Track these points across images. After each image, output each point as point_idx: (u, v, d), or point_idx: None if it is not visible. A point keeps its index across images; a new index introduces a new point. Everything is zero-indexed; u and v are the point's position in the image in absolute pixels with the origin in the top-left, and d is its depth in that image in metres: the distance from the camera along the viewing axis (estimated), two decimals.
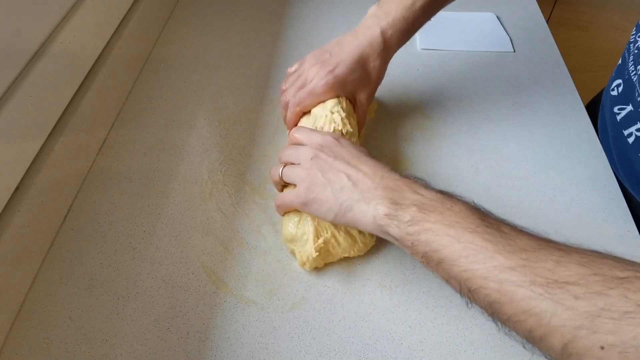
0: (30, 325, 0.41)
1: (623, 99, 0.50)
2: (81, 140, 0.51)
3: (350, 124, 0.48)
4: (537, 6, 0.76)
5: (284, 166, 0.44)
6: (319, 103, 0.49)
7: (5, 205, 0.41)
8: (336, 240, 0.42)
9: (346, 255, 0.43)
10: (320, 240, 0.42)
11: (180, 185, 0.51)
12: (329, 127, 0.47)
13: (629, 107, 0.49)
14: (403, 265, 0.45)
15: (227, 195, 0.50)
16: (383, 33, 0.49)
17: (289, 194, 0.42)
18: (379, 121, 0.58)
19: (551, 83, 0.63)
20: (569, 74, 0.64)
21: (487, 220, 0.34)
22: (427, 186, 0.38)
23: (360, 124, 0.52)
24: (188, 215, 0.49)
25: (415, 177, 0.39)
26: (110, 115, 0.57)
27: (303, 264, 0.43)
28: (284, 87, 0.53)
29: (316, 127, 0.48)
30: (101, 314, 0.41)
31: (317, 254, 0.41)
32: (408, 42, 0.65)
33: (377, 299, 0.43)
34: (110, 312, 0.41)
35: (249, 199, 0.50)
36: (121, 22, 0.60)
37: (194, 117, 0.58)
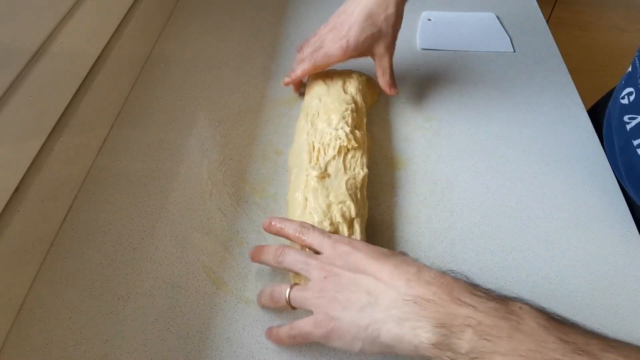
0: (30, 325, 0.41)
1: (635, 109, 0.49)
2: (81, 140, 0.51)
3: (355, 139, 0.48)
4: (537, 6, 0.76)
5: (291, 288, 0.37)
6: (333, 64, 0.54)
7: (5, 205, 0.41)
8: None
9: None
10: None
11: (180, 185, 0.51)
12: (334, 144, 0.47)
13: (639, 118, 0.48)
14: None
15: (227, 195, 0.50)
16: None
17: (305, 324, 0.36)
18: (379, 121, 0.58)
19: (551, 83, 0.63)
20: (569, 74, 0.64)
21: (568, 336, 0.26)
22: (473, 288, 0.30)
23: (386, 81, 0.55)
24: (188, 215, 0.49)
25: (452, 271, 0.32)
26: (110, 115, 0.57)
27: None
28: (301, 47, 0.57)
29: (322, 143, 0.48)
30: (101, 314, 0.41)
31: None
32: (408, 42, 0.65)
33: None
34: (110, 312, 0.41)
35: (249, 199, 0.50)
36: (121, 22, 0.60)
37: (194, 117, 0.58)
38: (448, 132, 0.57)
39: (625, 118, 0.50)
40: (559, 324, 0.27)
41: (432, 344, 0.27)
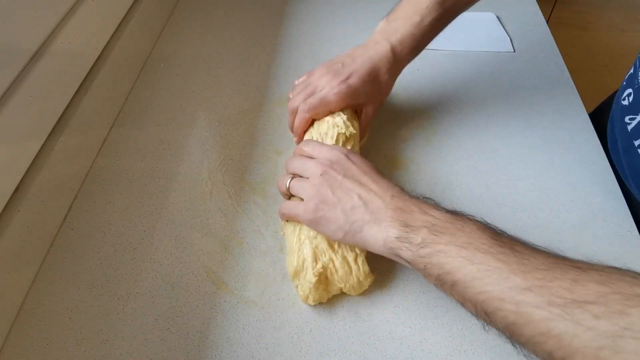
0: (30, 325, 0.41)
1: (634, 109, 0.49)
2: (81, 140, 0.51)
3: (353, 126, 0.48)
4: (537, 6, 0.76)
5: (292, 178, 0.43)
6: (329, 113, 0.49)
7: (5, 205, 0.41)
8: (334, 265, 0.41)
9: (342, 286, 0.41)
10: (319, 265, 0.40)
11: (180, 185, 0.51)
12: (332, 131, 0.47)
13: (639, 117, 0.48)
14: (403, 266, 0.45)
15: (227, 195, 0.50)
16: (393, 49, 0.49)
17: (297, 206, 0.41)
18: (379, 121, 0.58)
19: (551, 83, 0.63)
20: (568, 74, 0.64)
21: (499, 239, 0.33)
22: (437, 206, 0.37)
23: (361, 135, 0.51)
24: (188, 215, 0.49)
25: (425, 198, 0.38)
26: (110, 115, 0.57)
27: (306, 298, 0.41)
28: (291, 96, 0.52)
29: (320, 132, 0.48)
30: (101, 314, 0.41)
31: (316, 278, 0.40)
32: None
33: (377, 299, 0.43)
34: (110, 312, 0.41)
35: (249, 199, 0.50)
36: (121, 22, 0.60)
37: (194, 117, 0.58)
38: (448, 132, 0.57)
39: (626, 119, 0.50)
40: (496, 232, 0.34)
41: (396, 237, 0.35)
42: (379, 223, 0.37)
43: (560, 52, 0.67)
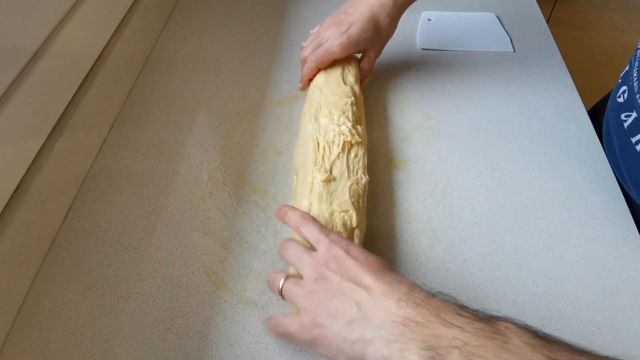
0: (30, 325, 0.41)
1: (629, 106, 0.50)
2: (81, 140, 0.51)
3: (358, 133, 0.48)
4: (537, 6, 0.76)
5: (286, 278, 0.38)
6: (334, 60, 0.55)
7: (5, 205, 0.41)
8: None
9: None
10: None
11: (180, 185, 0.51)
12: (338, 139, 0.47)
13: (634, 114, 0.49)
14: (403, 266, 0.45)
15: (227, 195, 0.50)
16: None
17: (291, 324, 0.36)
18: (379, 121, 0.58)
19: (551, 83, 0.63)
20: (568, 74, 0.64)
21: (555, 354, 0.26)
22: (461, 308, 0.30)
23: (365, 74, 0.58)
24: (188, 215, 0.49)
25: (441, 294, 0.32)
26: (110, 115, 0.57)
27: None
28: (304, 45, 0.58)
29: (326, 141, 0.48)
30: (101, 314, 0.41)
31: None
32: (408, 42, 0.65)
33: None
34: (110, 312, 0.41)
35: (249, 199, 0.50)
36: (121, 22, 0.60)
37: (194, 117, 0.58)
38: (448, 132, 0.57)
39: (622, 116, 0.50)
40: (545, 341, 0.27)
41: None
42: (387, 343, 0.29)
43: (560, 52, 0.67)
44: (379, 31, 0.55)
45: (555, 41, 0.69)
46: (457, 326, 0.28)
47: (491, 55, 0.67)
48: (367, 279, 0.33)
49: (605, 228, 0.48)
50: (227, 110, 0.59)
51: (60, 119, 0.48)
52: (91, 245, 0.46)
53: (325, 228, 0.39)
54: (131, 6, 0.63)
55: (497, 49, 0.68)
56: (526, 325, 0.29)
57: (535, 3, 0.76)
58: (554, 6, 1.65)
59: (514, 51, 0.68)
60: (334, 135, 0.48)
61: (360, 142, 0.48)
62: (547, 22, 0.73)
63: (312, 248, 0.38)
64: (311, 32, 0.59)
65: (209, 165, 0.53)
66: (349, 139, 0.47)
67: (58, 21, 0.48)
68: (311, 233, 0.38)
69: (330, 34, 0.54)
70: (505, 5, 0.76)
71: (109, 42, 0.57)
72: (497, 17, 0.73)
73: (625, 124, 0.50)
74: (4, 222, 0.41)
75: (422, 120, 0.58)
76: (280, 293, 0.38)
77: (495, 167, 0.53)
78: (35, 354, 0.39)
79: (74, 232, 0.47)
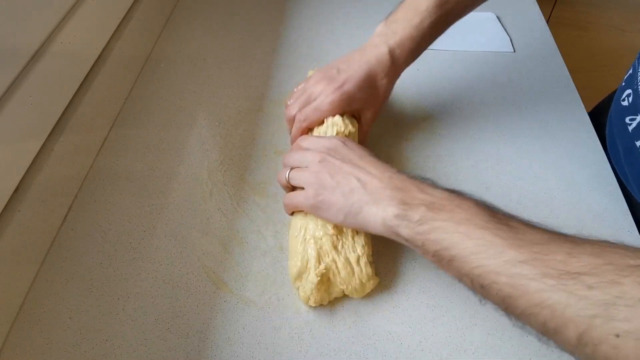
0: (30, 325, 0.41)
1: (634, 109, 0.49)
2: (81, 140, 0.51)
3: (352, 123, 0.48)
4: (537, 6, 0.76)
5: (291, 169, 0.43)
6: (324, 119, 0.48)
7: (5, 205, 0.41)
8: (336, 266, 0.41)
9: (343, 287, 0.41)
10: (322, 266, 0.40)
11: (180, 185, 0.51)
12: (331, 130, 0.47)
13: (639, 118, 0.48)
14: (403, 266, 0.45)
15: (227, 195, 0.50)
16: (391, 52, 0.48)
17: (297, 195, 0.42)
18: (379, 121, 0.58)
19: (551, 83, 0.63)
20: (568, 74, 0.64)
21: (496, 216, 0.34)
22: (435, 185, 0.38)
23: (362, 142, 0.51)
24: (188, 215, 0.49)
25: (422, 178, 0.39)
26: (110, 115, 0.57)
27: (307, 300, 0.41)
28: (288, 103, 0.51)
29: (319, 132, 0.48)
30: (101, 314, 0.41)
31: (319, 279, 0.40)
32: None
33: (377, 299, 0.43)
34: (110, 312, 0.41)
35: (249, 199, 0.50)
36: (121, 22, 0.60)
37: (194, 117, 0.58)
38: (448, 132, 0.57)
39: (627, 120, 0.50)
40: (493, 209, 0.35)
41: (394, 216, 0.36)
42: (377, 203, 0.37)
43: (560, 52, 0.67)
44: (375, 91, 0.49)
45: (555, 41, 0.69)
46: (428, 193, 0.37)
47: (491, 55, 0.67)
48: (364, 162, 0.40)
49: (605, 228, 0.48)
50: (227, 110, 0.59)
51: (60, 119, 0.48)
52: (91, 245, 0.46)
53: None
54: (131, 6, 0.63)
55: (497, 49, 0.68)
56: (483, 199, 0.36)
57: (535, 3, 0.76)
58: (554, 6, 1.65)
59: (514, 51, 0.68)
60: (327, 126, 0.48)
61: (353, 132, 0.48)
62: (547, 22, 0.73)
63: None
64: (295, 89, 0.52)
65: (209, 165, 0.53)
66: (342, 130, 0.47)
67: (58, 21, 0.48)
68: (310, 140, 0.45)
69: (320, 89, 0.48)
70: (505, 5, 0.76)
71: (109, 42, 0.57)
72: (497, 17, 0.73)
73: (630, 127, 0.49)
74: (4, 222, 0.41)
75: (422, 121, 0.58)
76: (288, 182, 0.43)
77: (495, 167, 0.53)
78: (35, 354, 0.39)
79: (74, 232, 0.47)
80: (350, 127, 0.47)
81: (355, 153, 0.42)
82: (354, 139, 0.49)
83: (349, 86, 0.47)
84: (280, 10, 0.75)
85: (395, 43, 0.48)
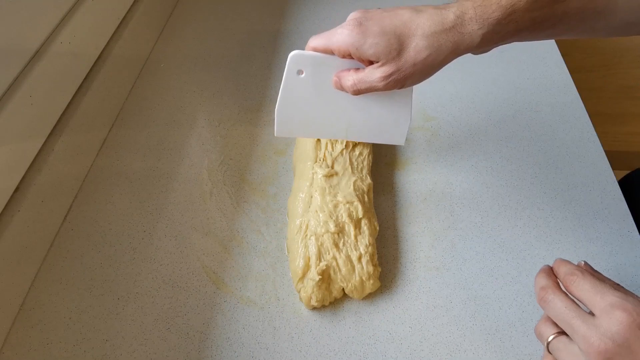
0: (30, 325, 0.41)
1: None
2: (81, 140, 0.51)
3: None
4: None
5: (557, 335, 0.31)
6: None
7: (5, 205, 0.41)
8: (337, 264, 0.41)
9: (344, 285, 0.41)
10: (323, 263, 0.41)
11: (180, 185, 0.51)
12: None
13: None
14: (403, 266, 0.45)
15: (227, 195, 0.50)
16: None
17: None
18: None
19: (551, 83, 0.63)
20: (569, 74, 0.64)
21: None
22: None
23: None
24: (188, 215, 0.49)
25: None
26: (110, 115, 0.57)
27: (308, 299, 0.40)
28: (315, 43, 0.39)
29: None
30: (101, 314, 0.41)
31: (320, 277, 0.40)
32: None
33: (378, 300, 0.43)
34: (110, 312, 0.41)
35: (249, 199, 0.50)
36: (121, 22, 0.60)
37: (194, 117, 0.58)
38: (448, 132, 0.57)
39: None
40: None
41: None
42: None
43: (561, 52, 0.67)
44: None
45: (555, 41, 0.69)
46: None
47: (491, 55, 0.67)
48: None
49: (605, 228, 0.48)
50: (227, 110, 0.59)
51: (60, 119, 0.48)
52: (91, 245, 0.46)
53: (602, 284, 0.31)
54: (131, 6, 0.63)
55: (497, 49, 0.68)
56: None
57: None
58: None
59: (514, 51, 0.68)
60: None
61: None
62: None
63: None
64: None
65: (209, 165, 0.53)
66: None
67: (58, 21, 0.48)
68: (582, 292, 0.31)
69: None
70: None
71: (109, 42, 0.57)
72: None
73: None
74: (4, 222, 0.41)
75: (422, 121, 0.58)
76: (547, 347, 0.32)
77: (495, 167, 0.53)
78: (35, 354, 0.39)
79: (74, 232, 0.47)
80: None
81: None
82: (368, 145, 0.49)
83: (410, 82, 0.39)
84: (280, 10, 0.75)
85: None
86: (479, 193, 0.51)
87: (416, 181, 0.52)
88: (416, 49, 0.35)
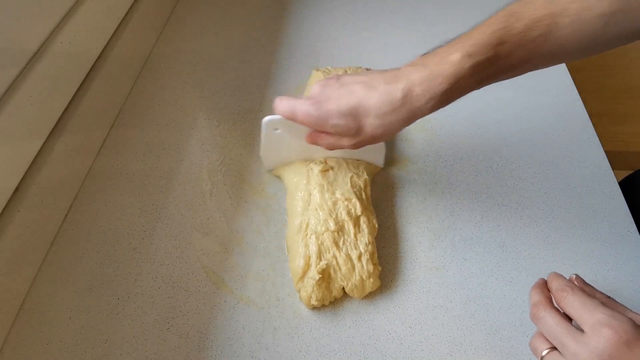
0: (30, 325, 0.41)
1: None
2: (81, 140, 0.51)
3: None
4: None
5: (549, 350, 0.32)
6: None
7: (5, 205, 0.41)
8: (337, 262, 0.41)
9: (344, 284, 0.41)
10: (323, 262, 0.41)
11: (180, 185, 0.51)
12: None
13: None
14: (403, 265, 0.45)
15: (227, 195, 0.50)
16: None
17: None
18: None
19: (551, 83, 0.63)
20: (568, 74, 0.64)
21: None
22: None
23: None
24: (188, 215, 0.49)
25: None
26: (110, 115, 0.57)
27: (309, 298, 0.40)
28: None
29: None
30: (101, 314, 0.41)
31: (320, 276, 0.40)
32: None
33: (378, 300, 0.43)
34: (110, 312, 0.41)
35: (249, 199, 0.50)
36: (121, 22, 0.60)
37: (194, 117, 0.58)
38: (448, 132, 0.57)
39: None
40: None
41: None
42: None
43: None
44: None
45: None
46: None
47: None
48: None
49: (605, 228, 0.48)
50: (227, 110, 0.59)
51: (60, 119, 0.48)
52: (91, 245, 0.46)
53: (592, 300, 0.32)
54: (131, 6, 0.63)
55: None
56: None
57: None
58: None
59: None
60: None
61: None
62: None
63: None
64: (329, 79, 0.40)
65: (209, 165, 0.53)
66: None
67: (58, 21, 0.48)
68: (572, 309, 0.32)
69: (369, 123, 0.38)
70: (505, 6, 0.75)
71: (109, 42, 0.57)
72: None
73: None
74: (4, 222, 0.41)
75: (422, 121, 0.58)
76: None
77: (495, 167, 0.53)
78: (35, 354, 0.39)
79: (74, 232, 0.47)
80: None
81: None
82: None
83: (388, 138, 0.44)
84: (280, 11, 0.75)
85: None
86: (479, 193, 0.51)
87: (416, 181, 0.52)
88: (372, 127, 0.38)
